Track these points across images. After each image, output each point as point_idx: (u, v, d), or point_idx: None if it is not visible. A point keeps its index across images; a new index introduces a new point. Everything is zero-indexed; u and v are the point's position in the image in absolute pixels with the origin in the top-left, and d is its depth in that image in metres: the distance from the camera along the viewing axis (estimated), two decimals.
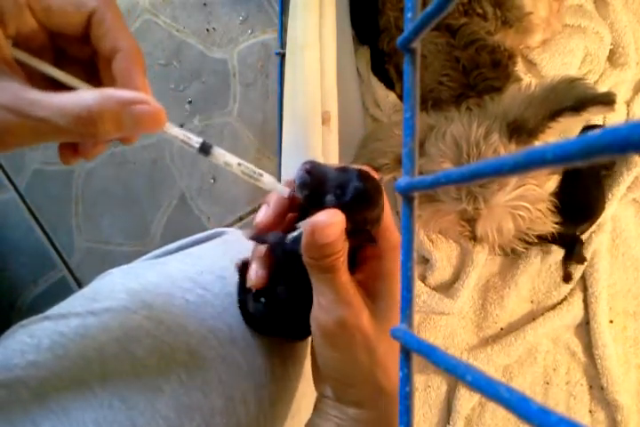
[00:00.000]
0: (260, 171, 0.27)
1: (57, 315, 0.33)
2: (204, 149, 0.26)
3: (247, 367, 0.35)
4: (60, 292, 0.90)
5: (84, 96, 0.22)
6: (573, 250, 0.66)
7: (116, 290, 0.35)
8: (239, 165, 0.26)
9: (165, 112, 0.24)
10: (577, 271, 0.67)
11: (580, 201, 0.65)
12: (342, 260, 0.25)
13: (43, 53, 0.25)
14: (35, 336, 0.31)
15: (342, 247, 0.25)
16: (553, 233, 0.64)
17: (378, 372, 0.25)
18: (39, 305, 0.91)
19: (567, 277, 0.67)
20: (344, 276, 0.25)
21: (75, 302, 0.35)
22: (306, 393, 0.35)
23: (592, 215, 0.65)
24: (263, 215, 0.28)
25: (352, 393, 0.26)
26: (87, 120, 0.21)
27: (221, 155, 0.26)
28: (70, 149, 0.27)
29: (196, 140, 0.26)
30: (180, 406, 0.30)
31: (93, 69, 0.27)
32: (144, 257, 0.47)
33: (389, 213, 0.29)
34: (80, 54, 0.27)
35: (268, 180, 0.27)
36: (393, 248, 0.28)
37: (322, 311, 0.25)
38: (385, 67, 0.66)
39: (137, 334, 0.32)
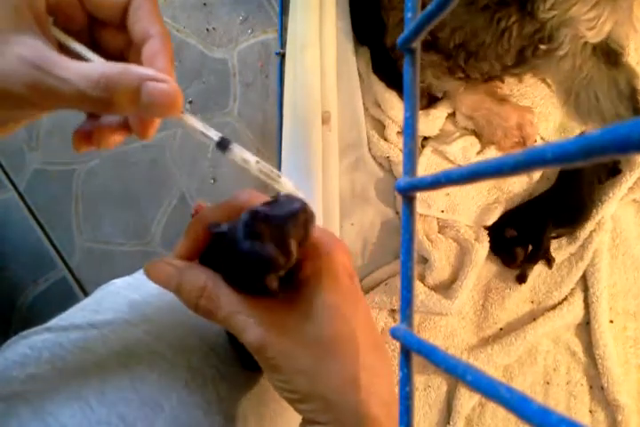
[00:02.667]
0: (279, 172, 0.26)
1: (58, 327, 0.33)
2: (223, 144, 0.25)
3: (248, 385, 0.35)
4: (60, 292, 0.90)
5: (106, 65, 0.23)
6: (538, 251, 0.66)
7: (118, 302, 0.35)
8: (257, 162, 0.25)
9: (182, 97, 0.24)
10: (578, 271, 0.67)
11: (570, 205, 0.65)
12: (206, 300, 0.25)
13: (79, 38, 0.26)
14: (35, 348, 0.31)
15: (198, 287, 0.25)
16: (521, 234, 0.65)
17: (317, 384, 0.24)
18: (39, 305, 0.91)
19: (521, 278, 0.67)
20: (223, 311, 0.24)
21: (77, 314, 0.34)
22: None
23: (577, 221, 0.66)
24: (180, 246, 0.27)
25: (303, 410, 0.25)
26: (104, 86, 0.22)
27: (240, 151, 0.25)
28: (85, 136, 0.27)
29: (215, 134, 0.25)
30: (179, 424, 0.30)
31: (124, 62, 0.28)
32: None
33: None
34: (113, 44, 0.27)
35: (285, 182, 0.26)
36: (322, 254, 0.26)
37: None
38: (397, 63, 0.66)
39: (137, 348, 0.32)
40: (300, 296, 0.25)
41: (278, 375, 0.25)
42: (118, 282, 0.39)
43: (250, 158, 0.25)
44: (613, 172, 0.66)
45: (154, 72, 0.23)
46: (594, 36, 0.50)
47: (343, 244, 0.28)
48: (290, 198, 0.24)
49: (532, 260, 0.66)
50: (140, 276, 0.41)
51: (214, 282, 0.25)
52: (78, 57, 0.25)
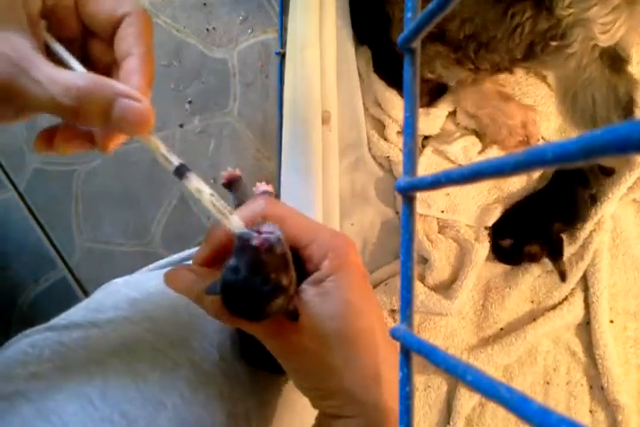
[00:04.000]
0: (231, 209, 0.25)
1: (60, 326, 0.33)
2: (180, 172, 0.25)
3: (251, 384, 0.35)
4: (60, 291, 0.90)
5: (84, 75, 0.23)
6: (557, 250, 0.66)
7: (119, 300, 0.35)
8: (211, 195, 0.25)
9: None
10: (578, 271, 0.67)
11: (565, 202, 0.65)
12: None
13: (70, 47, 0.26)
14: (36, 347, 0.31)
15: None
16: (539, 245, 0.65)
17: (344, 380, 0.24)
18: (40, 304, 0.91)
19: (562, 276, 0.66)
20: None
21: (78, 313, 0.34)
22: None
23: (572, 222, 0.66)
24: (200, 252, 0.27)
25: (328, 406, 0.25)
26: (75, 95, 0.21)
27: (196, 181, 0.25)
28: (47, 137, 0.26)
29: (176, 159, 0.25)
30: (181, 422, 0.30)
31: None
32: (148, 267, 0.47)
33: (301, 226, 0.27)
34: (103, 59, 0.27)
35: (235, 221, 0.25)
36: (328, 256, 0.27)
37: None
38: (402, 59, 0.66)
39: (139, 346, 0.32)
40: (319, 294, 0.26)
41: (305, 376, 0.25)
42: (119, 281, 0.40)
43: (204, 189, 0.25)
44: (593, 198, 0.67)
45: (129, 89, 0.23)
46: (606, 40, 0.50)
47: (354, 243, 0.28)
48: (246, 245, 0.23)
49: (556, 256, 0.66)
50: (139, 275, 0.41)
51: None
52: (66, 66, 0.24)
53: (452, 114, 0.71)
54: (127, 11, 0.25)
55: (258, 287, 0.22)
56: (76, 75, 0.22)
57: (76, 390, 0.29)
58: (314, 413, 0.27)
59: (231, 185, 0.31)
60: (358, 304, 0.26)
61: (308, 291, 0.26)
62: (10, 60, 0.21)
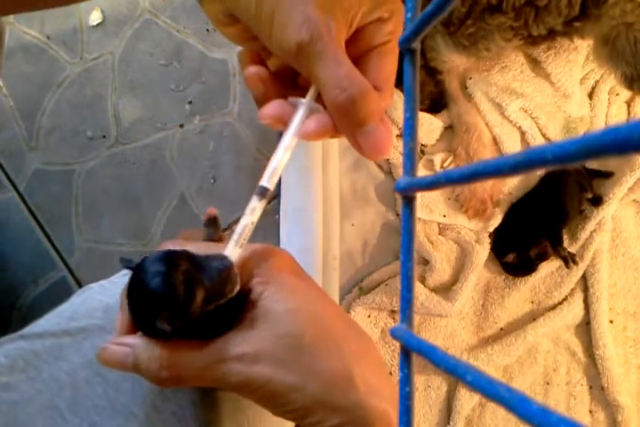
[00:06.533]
0: (243, 243, 0.26)
1: (33, 334, 0.32)
2: (260, 193, 0.25)
3: (224, 391, 0.34)
4: (60, 292, 0.89)
5: (363, 81, 0.24)
6: (556, 239, 0.65)
7: (93, 308, 0.34)
8: (252, 223, 0.26)
9: None
10: (578, 271, 0.67)
11: (554, 205, 0.65)
12: (168, 370, 0.24)
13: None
14: (9, 356, 0.30)
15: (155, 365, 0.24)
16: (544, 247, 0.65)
17: (311, 394, 0.23)
18: (39, 305, 0.91)
19: (566, 262, 0.66)
20: (190, 373, 0.24)
21: (52, 321, 0.34)
22: None
23: (559, 221, 0.66)
24: (119, 324, 0.26)
25: (311, 423, 0.24)
26: (344, 90, 0.23)
27: (260, 207, 0.26)
28: (255, 58, 0.29)
29: (269, 182, 0.26)
30: None
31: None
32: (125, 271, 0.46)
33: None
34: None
35: (236, 251, 0.25)
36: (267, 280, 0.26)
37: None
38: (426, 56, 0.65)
39: None
40: (259, 316, 0.25)
41: (274, 401, 0.24)
42: (94, 286, 0.38)
43: (256, 215, 0.26)
44: (595, 201, 0.66)
45: (387, 120, 0.24)
46: None
47: (273, 247, 0.28)
48: (219, 258, 0.24)
49: (557, 244, 0.65)
50: (116, 279, 0.40)
51: (170, 348, 0.24)
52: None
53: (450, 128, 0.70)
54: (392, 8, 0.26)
55: (183, 283, 0.22)
56: (358, 76, 0.23)
57: (46, 401, 0.29)
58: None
59: (210, 222, 0.32)
60: (304, 309, 0.25)
61: (247, 318, 0.25)
62: (317, 26, 0.23)
